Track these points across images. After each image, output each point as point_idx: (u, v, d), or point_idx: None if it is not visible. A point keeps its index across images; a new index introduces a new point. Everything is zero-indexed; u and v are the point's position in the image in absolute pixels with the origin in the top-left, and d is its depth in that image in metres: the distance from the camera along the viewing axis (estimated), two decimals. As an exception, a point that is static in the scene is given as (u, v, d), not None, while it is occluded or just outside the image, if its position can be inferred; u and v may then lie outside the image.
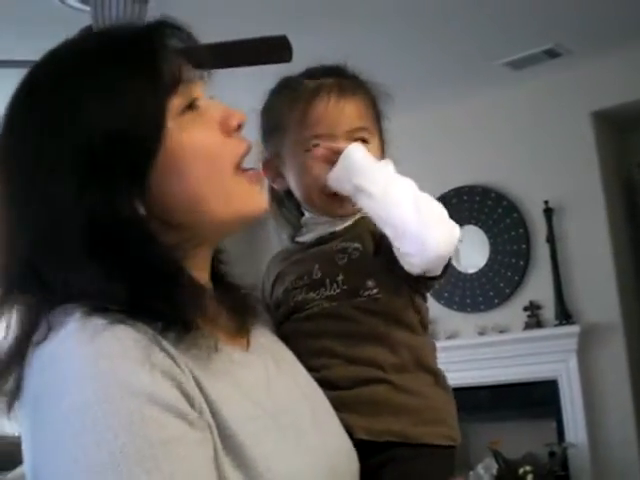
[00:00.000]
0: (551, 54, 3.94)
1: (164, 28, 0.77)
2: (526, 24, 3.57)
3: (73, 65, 0.75)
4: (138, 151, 0.72)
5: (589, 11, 3.47)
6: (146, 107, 0.73)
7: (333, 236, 1.00)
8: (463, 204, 4.56)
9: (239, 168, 0.79)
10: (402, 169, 0.95)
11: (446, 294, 4.56)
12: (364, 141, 1.01)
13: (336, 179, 0.95)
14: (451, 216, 0.91)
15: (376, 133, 1.04)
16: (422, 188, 0.92)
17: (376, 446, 0.89)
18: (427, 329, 1.00)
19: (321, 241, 1.01)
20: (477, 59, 3.92)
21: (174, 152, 0.74)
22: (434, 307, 4.54)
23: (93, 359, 0.66)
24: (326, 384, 0.89)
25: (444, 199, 4.57)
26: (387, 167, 0.94)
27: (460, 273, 4.57)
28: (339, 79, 1.03)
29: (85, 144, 0.71)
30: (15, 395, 0.71)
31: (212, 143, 0.77)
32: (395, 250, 0.92)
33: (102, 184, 0.71)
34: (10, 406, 0.72)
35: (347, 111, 1.00)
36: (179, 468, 0.64)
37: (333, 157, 0.95)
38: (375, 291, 0.94)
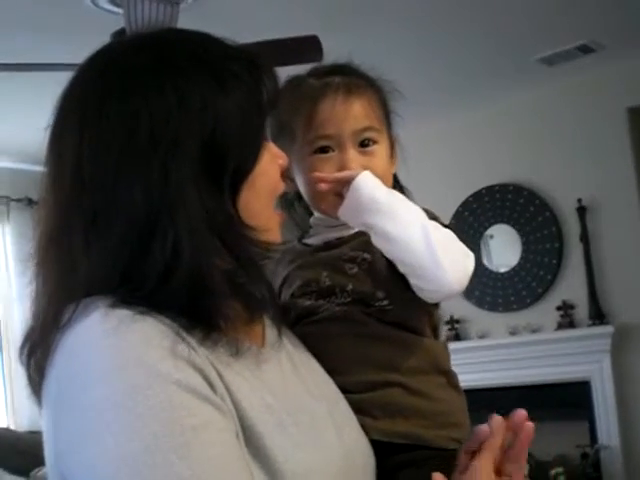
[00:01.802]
0: (585, 50, 3.89)
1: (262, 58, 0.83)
2: (560, 20, 3.53)
3: (193, 66, 0.77)
4: (245, 157, 0.78)
5: (622, 6, 3.43)
6: (256, 121, 0.79)
7: (340, 242, 0.97)
8: (495, 202, 4.50)
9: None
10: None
11: (477, 293, 4.53)
12: (373, 142, 0.98)
13: (346, 214, 0.92)
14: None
15: (385, 132, 1.01)
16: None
17: (397, 447, 0.89)
18: (438, 334, 0.99)
19: (328, 246, 0.99)
20: (510, 56, 3.88)
21: (259, 168, 0.79)
22: (465, 307, 4.51)
23: (118, 349, 0.67)
24: (339, 387, 0.89)
25: (476, 197, 4.55)
26: (399, 199, 0.91)
27: (492, 272, 4.54)
28: (346, 77, 1.00)
29: (204, 134, 0.74)
30: (39, 379, 0.73)
31: (276, 176, 0.85)
32: (410, 282, 0.91)
33: (210, 182, 0.74)
34: (36, 390, 0.74)
35: (354, 111, 0.97)
36: (213, 453, 0.66)
37: (341, 188, 0.92)
38: (385, 302, 0.93)
